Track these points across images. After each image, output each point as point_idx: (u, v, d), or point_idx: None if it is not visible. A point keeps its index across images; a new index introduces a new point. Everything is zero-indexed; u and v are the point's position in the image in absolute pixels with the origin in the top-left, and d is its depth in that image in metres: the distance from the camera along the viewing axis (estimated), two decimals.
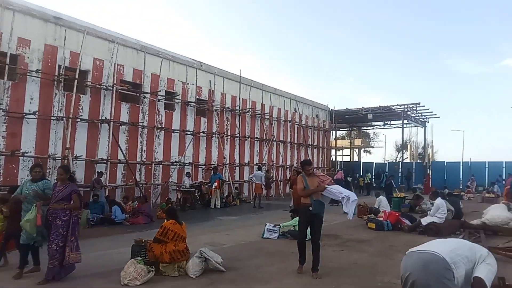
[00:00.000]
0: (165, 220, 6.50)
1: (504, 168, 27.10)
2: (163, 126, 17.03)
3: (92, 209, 11.57)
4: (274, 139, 23.62)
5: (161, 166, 16.82)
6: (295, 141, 25.95)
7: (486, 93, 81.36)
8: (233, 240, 8.99)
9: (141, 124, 16.02)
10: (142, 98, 16.26)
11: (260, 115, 22.70)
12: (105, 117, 14.55)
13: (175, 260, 6.00)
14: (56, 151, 13.18)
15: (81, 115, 13.99)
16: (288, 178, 21.13)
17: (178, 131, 17.68)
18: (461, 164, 30.59)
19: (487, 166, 28.85)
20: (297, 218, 9.38)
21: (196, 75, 18.60)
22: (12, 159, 12.20)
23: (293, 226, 9.24)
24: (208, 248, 6.57)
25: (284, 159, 24.47)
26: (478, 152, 77.55)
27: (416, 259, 2.72)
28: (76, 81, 13.55)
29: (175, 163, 17.26)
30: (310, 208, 6.06)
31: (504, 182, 21.37)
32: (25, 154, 12.37)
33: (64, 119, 13.28)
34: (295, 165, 25.27)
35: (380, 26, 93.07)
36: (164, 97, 17.15)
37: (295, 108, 26.21)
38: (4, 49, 12.07)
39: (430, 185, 22.87)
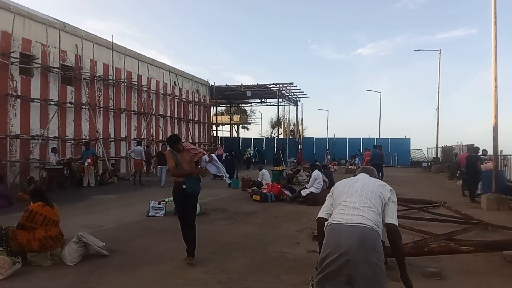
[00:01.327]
0: (31, 203, 5.46)
1: (361, 143, 31.03)
2: (19, 94, 14.47)
3: None
4: (153, 113, 22.41)
5: (18, 140, 14.34)
6: (176, 116, 25.12)
7: (345, 77, 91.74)
8: (114, 221, 8.17)
9: None
10: None
11: (137, 87, 21.15)
12: None
13: (46, 247, 5.10)
14: None
15: None
16: (155, 153, 18.98)
17: (39, 101, 15.27)
18: (326, 140, 33.94)
19: (347, 141, 32.68)
20: None
21: (59, 37, 16.20)
22: None
23: None
24: (87, 232, 5.78)
25: (164, 134, 23.38)
26: (340, 129, 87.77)
27: (348, 235, 2.51)
28: None
29: (36, 137, 14.92)
30: (184, 186, 5.37)
31: (362, 155, 24.39)
32: None
33: None
34: None
35: (251, 5, 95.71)
36: (19, 60, 14.50)
37: (174, 82, 25.25)
38: None
39: (302, 158, 24.72)
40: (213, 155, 5.86)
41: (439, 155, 27.82)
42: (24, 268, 4.85)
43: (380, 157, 17.99)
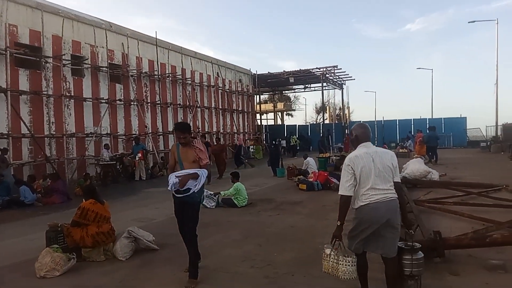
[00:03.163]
0: (83, 200, 5.69)
1: (412, 125, 29.58)
2: (72, 94, 15.22)
3: None
4: (198, 105, 22.76)
5: (74, 138, 15.16)
6: (220, 107, 25.35)
7: (393, 56, 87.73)
8: (164, 214, 8.36)
9: (45, 92, 14.11)
10: (43, 63, 14.23)
11: (181, 81, 21.53)
12: (0, 86, 12.49)
13: (99, 243, 5.30)
14: None
15: None
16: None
17: (91, 100, 15.99)
18: (375, 123, 32.74)
19: (398, 123, 31.30)
20: (237, 185, 9.08)
21: (106, 37, 16.76)
22: None
23: (233, 195, 8.93)
24: (137, 226, 5.96)
25: (209, 126, 23.80)
26: (389, 110, 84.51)
27: (387, 208, 3.39)
28: None
29: (90, 135, 15.69)
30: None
31: (413, 137, 23.21)
32: None
33: None
34: (221, 131, 24.83)
35: None
36: (70, 62, 15.21)
37: (217, 73, 25.41)
38: None
39: (349, 143, 24.01)
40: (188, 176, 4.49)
41: (499, 133, 25.87)
42: (79, 264, 5.05)
43: (436, 138, 17.10)
